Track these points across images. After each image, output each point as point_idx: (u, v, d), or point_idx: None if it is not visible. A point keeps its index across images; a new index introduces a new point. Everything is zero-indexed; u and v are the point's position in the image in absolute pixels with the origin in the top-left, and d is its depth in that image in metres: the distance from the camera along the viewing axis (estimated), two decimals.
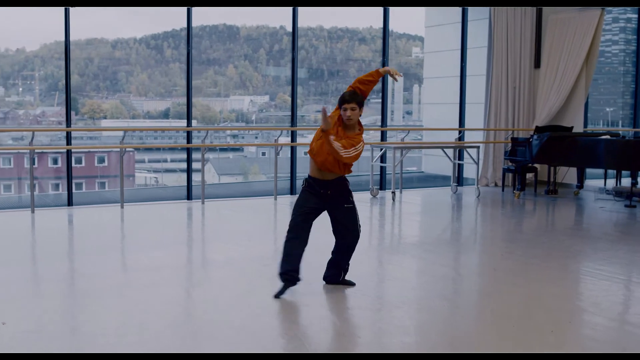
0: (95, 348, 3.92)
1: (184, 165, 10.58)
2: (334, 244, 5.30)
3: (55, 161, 13.96)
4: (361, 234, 5.31)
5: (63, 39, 8.83)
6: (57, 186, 13.59)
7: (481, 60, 12.34)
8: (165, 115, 15.77)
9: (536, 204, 10.54)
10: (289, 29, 10.93)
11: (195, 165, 10.48)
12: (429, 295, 5.22)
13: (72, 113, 14.72)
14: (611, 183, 11.89)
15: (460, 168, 12.34)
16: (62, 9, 9.07)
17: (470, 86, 12.62)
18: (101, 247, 6.93)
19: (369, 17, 16.03)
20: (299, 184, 11.53)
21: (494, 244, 7.61)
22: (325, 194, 5.06)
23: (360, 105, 4.97)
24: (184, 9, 9.86)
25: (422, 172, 14.86)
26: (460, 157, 11.87)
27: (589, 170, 12.10)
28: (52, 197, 12.17)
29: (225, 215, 9.29)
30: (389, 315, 4.69)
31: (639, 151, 9.57)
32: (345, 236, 5.22)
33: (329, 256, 5.37)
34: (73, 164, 9.49)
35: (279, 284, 5.03)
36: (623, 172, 11.73)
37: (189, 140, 10.28)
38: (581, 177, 11.53)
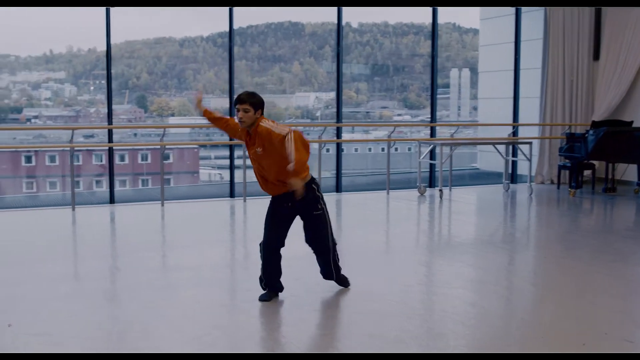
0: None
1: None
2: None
3: (123, 158, 14.19)
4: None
5: (132, 39, 8.88)
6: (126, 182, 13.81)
7: (536, 52, 11.86)
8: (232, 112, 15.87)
9: (593, 202, 10.07)
10: (354, 25, 10.76)
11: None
12: (462, 303, 4.97)
13: (142, 111, 15.05)
14: None
15: (514, 165, 11.90)
16: (125, 9, 9.14)
17: (525, 80, 12.16)
18: (137, 245, 6.93)
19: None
20: (345, 181, 11.43)
21: (539, 245, 7.26)
22: (289, 206, 4.75)
23: (254, 106, 4.60)
24: (247, 9, 9.76)
25: (477, 169, 14.47)
26: (514, 154, 11.45)
27: None
28: (131, 193, 12.41)
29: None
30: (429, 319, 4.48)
31: None
32: (316, 247, 4.95)
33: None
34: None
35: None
36: None
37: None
38: None
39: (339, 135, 11.03)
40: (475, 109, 17.22)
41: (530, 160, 10.68)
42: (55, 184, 13.27)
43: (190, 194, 12.83)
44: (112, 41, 9.24)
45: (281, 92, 16.18)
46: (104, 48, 9.17)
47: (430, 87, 11.78)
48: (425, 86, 15.32)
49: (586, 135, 10.14)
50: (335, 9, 10.65)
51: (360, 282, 5.23)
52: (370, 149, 15.59)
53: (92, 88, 14.95)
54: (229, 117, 5.14)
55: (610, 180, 10.71)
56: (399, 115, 16.15)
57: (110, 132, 9.48)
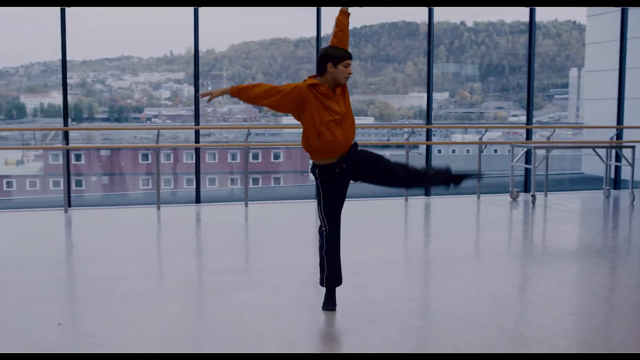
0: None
1: None
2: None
3: (233, 156, 14.56)
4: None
5: (249, 40, 9.01)
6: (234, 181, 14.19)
7: None
8: None
9: None
10: (470, 24, 10.58)
11: None
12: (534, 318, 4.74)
13: (257, 110, 15.44)
14: None
15: (617, 170, 11.26)
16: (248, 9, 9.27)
17: (630, 80, 11.47)
18: (219, 245, 7.09)
19: (553, 10, 15.33)
20: None
21: (621, 257, 6.81)
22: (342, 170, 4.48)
23: None
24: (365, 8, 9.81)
25: (582, 173, 13.80)
26: (618, 158, 10.83)
27: None
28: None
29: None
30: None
31: None
32: (390, 179, 4.59)
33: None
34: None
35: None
36: None
37: None
38: None
39: (428, 137, 10.83)
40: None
41: (632, 165, 10.07)
42: (169, 182, 13.70)
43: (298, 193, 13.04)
44: (230, 42, 9.40)
45: (394, 92, 16.10)
46: (223, 49, 9.27)
47: (527, 88, 11.33)
48: (542, 86, 14.84)
49: None
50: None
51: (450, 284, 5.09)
52: (468, 150, 15.20)
53: (209, 88, 15.50)
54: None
55: None
56: (515, 116, 15.65)
57: (197, 133, 9.87)
